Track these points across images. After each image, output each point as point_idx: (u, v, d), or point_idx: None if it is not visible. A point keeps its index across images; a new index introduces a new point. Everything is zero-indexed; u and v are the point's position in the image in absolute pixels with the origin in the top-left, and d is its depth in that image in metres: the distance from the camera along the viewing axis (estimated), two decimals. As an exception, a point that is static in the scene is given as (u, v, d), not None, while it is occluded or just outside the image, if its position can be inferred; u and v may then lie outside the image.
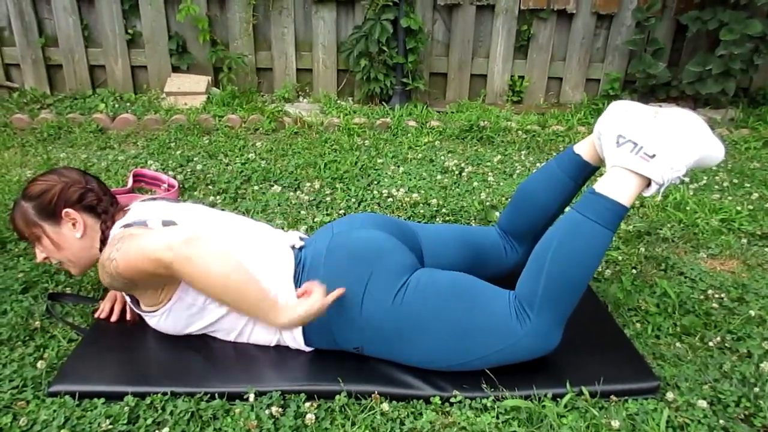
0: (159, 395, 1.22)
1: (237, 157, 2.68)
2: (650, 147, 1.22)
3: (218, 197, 2.28)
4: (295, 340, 1.35)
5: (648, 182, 1.23)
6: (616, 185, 1.23)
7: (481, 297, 1.26)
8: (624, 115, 1.28)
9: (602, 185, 1.24)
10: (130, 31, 3.46)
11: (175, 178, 2.35)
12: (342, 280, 1.29)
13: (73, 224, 1.35)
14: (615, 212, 1.22)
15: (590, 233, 1.21)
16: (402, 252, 1.35)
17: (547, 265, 1.21)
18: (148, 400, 1.22)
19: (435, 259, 1.49)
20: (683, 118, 1.26)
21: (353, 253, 1.31)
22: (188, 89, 3.40)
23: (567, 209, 1.38)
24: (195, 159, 2.63)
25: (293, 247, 1.42)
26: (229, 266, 1.18)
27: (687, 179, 2.60)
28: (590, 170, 1.44)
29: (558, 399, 1.25)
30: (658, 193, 1.24)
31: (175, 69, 3.53)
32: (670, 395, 1.28)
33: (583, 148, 1.43)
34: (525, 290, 1.24)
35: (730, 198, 2.41)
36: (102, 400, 1.21)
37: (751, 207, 2.29)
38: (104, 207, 1.38)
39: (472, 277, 1.32)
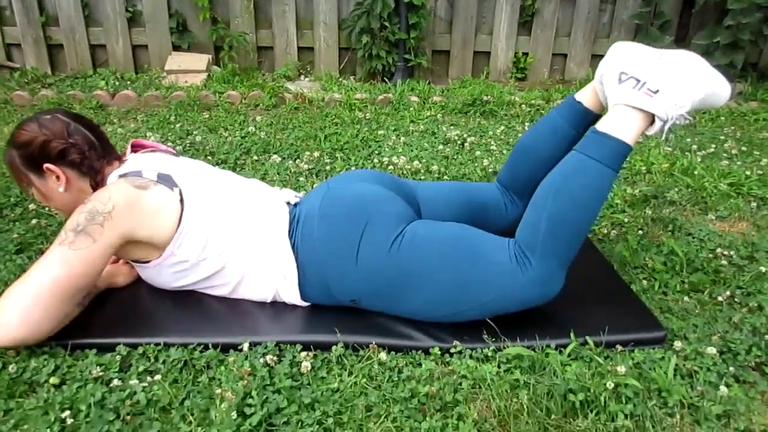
0: (152, 345, 1.20)
1: (237, 131, 2.65)
2: (654, 83, 1.18)
3: (217, 167, 2.25)
4: (291, 294, 1.32)
5: (652, 120, 1.19)
6: (618, 123, 1.19)
7: (480, 244, 1.22)
8: (627, 55, 1.24)
9: (604, 124, 1.20)
10: (130, 9, 3.43)
11: (174, 149, 2.32)
12: (337, 231, 1.25)
13: (57, 178, 1.31)
14: (618, 151, 1.17)
15: (593, 173, 1.16)
16: (397, 203, 1.31)
17: (549, 207, 1.17)
18: (140, 350, 1.19)
19: (434, 216, 1.46)
20: (688, 57, 1.22)
21: (348, 205, 1.28)
22: (189, 67, 3.37)
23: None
24: (194, 132, 2.61)
25: (288, 203, 1.40)
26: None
27: (695, 147, 2.55)
28: (592, 118, 1.39)
29: (561, 349, 1.22)
30: (662, 133, 1.19)
31: (176, 48, 3.50)
32: (678, 344, 1.24)
33: (585, 96, 1.39)
34: (526, 234, 1.20)
35: (739, 164, 2.35)
36: (94, 351, 1.19)
37: (760, 172, 2.24)
38: (89, 164, 1.31)
39: (469, 227, 1.28)
